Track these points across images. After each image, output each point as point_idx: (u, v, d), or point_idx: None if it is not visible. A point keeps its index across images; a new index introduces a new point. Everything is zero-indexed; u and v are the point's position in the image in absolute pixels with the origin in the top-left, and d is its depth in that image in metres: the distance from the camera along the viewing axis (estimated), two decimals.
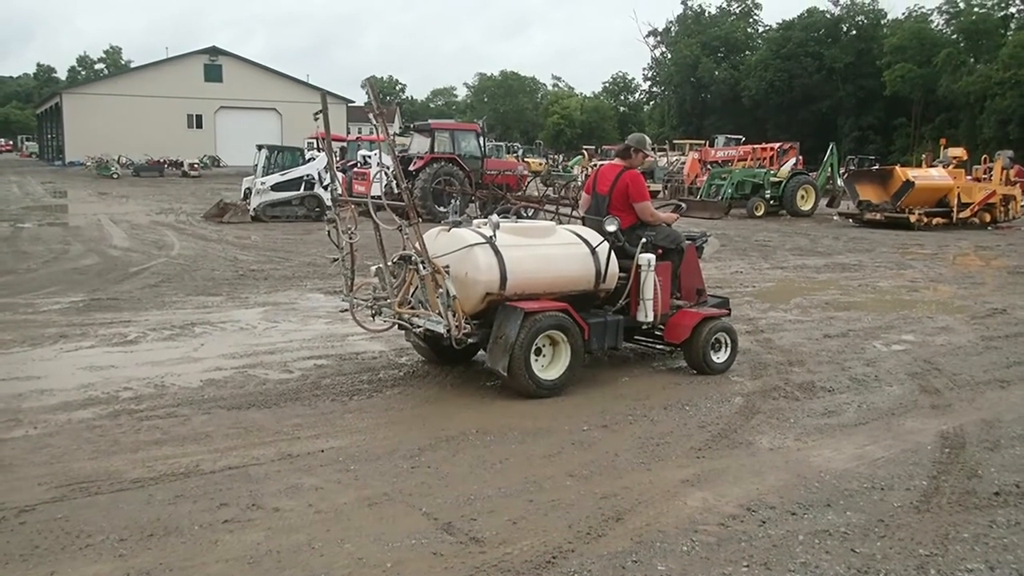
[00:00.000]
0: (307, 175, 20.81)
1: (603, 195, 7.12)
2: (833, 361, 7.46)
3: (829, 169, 27.11)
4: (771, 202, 25.11)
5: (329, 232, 6.71)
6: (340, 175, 22.04)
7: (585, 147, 54.73)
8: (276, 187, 20.58)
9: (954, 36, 60.31)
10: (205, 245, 15.67)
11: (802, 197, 25.47)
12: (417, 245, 5.89)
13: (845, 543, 3.90)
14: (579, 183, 24.59)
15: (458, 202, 8.37)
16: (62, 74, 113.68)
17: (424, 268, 5.86)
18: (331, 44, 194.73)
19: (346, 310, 6.87)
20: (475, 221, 6.60)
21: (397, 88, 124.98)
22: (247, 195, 21.14)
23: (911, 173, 21.97)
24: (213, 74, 59.13)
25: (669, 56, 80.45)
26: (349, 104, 59.33)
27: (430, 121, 27.65)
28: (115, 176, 41.42)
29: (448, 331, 5.86)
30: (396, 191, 6.42)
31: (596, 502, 4.32)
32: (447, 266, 5.95)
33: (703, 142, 42.96)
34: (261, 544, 3.79)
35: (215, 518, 4.04)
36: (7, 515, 4.03)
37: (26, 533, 3.85)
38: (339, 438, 5.22)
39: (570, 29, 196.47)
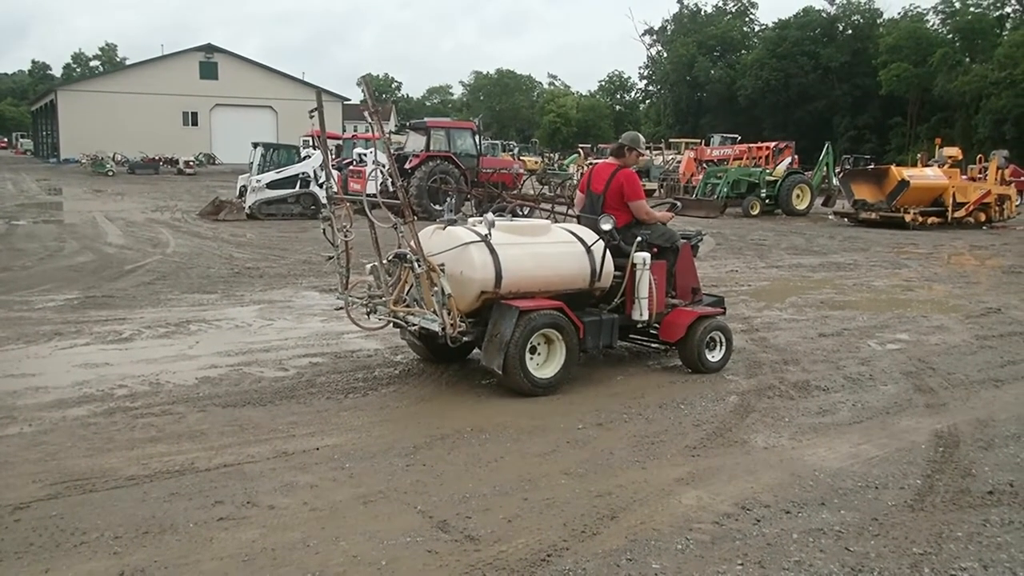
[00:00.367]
0: (303, 173, 20.78)
1: (597, 194, 7.13)
2: (828, 360, 7.48)
3: (825, 168, 27.15)
4: (767, 201, 25.16)
5: (324, 230, 6.70)
6: (336, 173, 21.99)
7: (581, 145, 54.68)
8: (272, 185, 20.55)
9: (950, 36, 60.40)
10: (200, 243, 15.65)
11: (798, 196, 25.53)
12: (412, 243, 5.89)
13: (839, 542, 3.91)
14: (575, 181, 24.61)
15: (453, 200, 8.36)
16: (57, 71, 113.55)
17: (419, 266, 5.86)
18: (327, 42, 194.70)
19: (341, 308, 6.86)
20: (470, 219, 6.60)
21: (393, 86, 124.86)
22: (243, 193, 21.12)
23: (906, 172, 22.03)
24: (209, 71, 58.99)
25: (665, 55, 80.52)
26: (345, 102, 59.26)
27: (426, 119, 27.66)
28: (110, 173, 41.33)
29: (443, 329, 5.86)
30: (391, 189, 6.41)
31: (591, 500, 4.32)
32: (442, 264, 5.95)
33: (699, 141, 42.99)
34: (256, 542, 3.79)
35: (210, 516, 4.04)
36: (1, 513, 4.02)
37: (21, 531, 3.85)
38: (334, 436, 5.22)
39: (566, 27, 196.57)
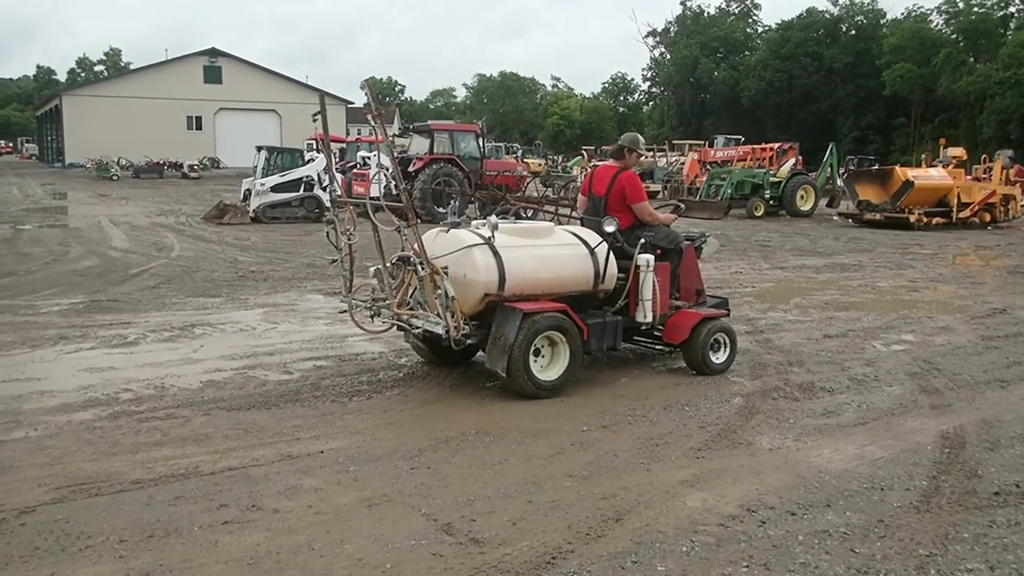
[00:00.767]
0: (307, 176, 20.83)
1: (599, 197, 7.11)
2: (833, 361, 7.46)
3: (829, 169, 27.11)
4: (771, 202, 25.12)
5: (328, 233, 6.71)
6: (339, 176, 22.04)
7: (584, 148, 54.67)
8: (276, 188, 20.61)
9: (953, 36, 60.28)
10: (205, 246, 15.68)
11: (802, 197, 25.48)
12: (416, 246, 5.89)
13: (845, 543, 3.90)
14: (578, 183, 24.59)
15: (457, 203, 8.37)
16: (62, 76, 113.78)
17: (423, 269, 5.86)
18: (331, 46, 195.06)
19: (345, 311, 6.87)
20: (474, 222, 6.60)
21: (396, 89, 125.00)
22: (247, 196, 21.17)
23: (911, 173, 21.98)
24: (212, 76, 59.14)
25: (668, 57, 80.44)
26: (348, 106, 59.36)
27: (429, 122, 27.67)
28: (115, 178, 41.43)
29: (447, 332, 5.86)
30: (395, 192, 6.41)
31: (596, 503, 4.32)
32: (446, 267, 5.95)
33: (702, 142, 42.96)
34: (261, 545, 3.79)
35: (215, 519, 4.05)
36: (7, 516, 4.03)
37: (26, 534, 3.86)
38: (339, 439, 5.22)
39: (569, 30, 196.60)
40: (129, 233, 17.78)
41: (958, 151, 26.87)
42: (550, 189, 24.91)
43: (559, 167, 44.62)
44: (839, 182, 26.75)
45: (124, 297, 10.13)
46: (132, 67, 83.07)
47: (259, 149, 22.12)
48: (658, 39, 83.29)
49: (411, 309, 6.31)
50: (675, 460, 4.97)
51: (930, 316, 9.71)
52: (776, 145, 30.38)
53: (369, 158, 22.84)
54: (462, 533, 3.94)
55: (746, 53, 75.46)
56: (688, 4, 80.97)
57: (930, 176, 22.07)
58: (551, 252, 6.41)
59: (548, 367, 6.16)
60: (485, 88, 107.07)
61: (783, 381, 6.74)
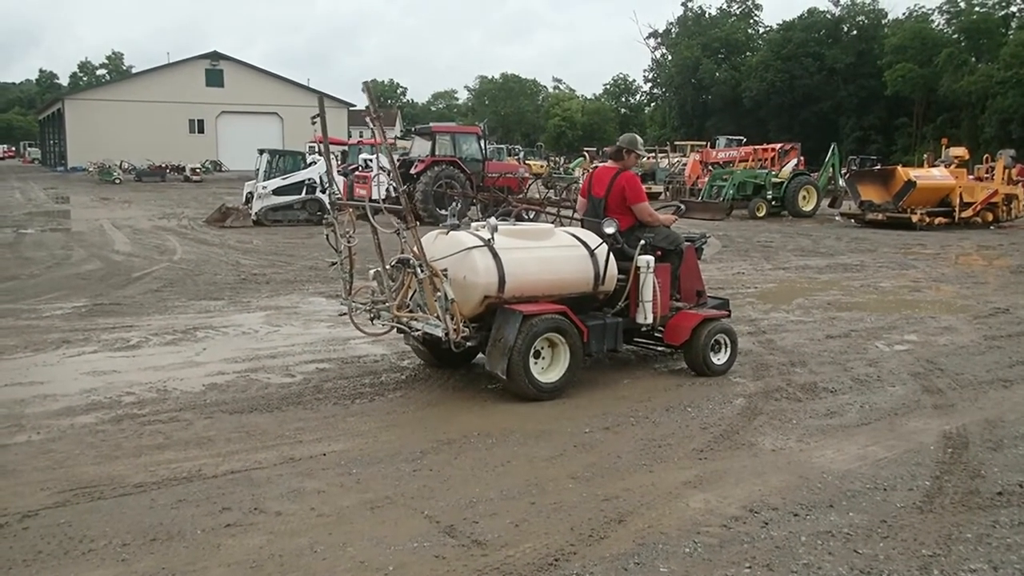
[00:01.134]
0: (309, 179, 20.85)
1: (599, 198, 7.11)
2: (835, 362, 7.45)
3: (831, 169, 27.09)
4: (773, 203, 25.12)
5: (328, 236, 6.72)
6: (341, 179, 22.01)
7: (586, 149, 54.68)
8: (278, 191, 20.63)
9: (955, 36, 60.29)
10: (207, 250, 15.70)
11: (804, 198, 25.47)
12: (415, 248, 5.89)
13: (848, 544, 3.90)
14: (580, 185, 24.58)
15: (459, 205, 8.37)
16: (64, 80, 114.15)
17: (422, 271, 5.86)
18: (332, 48, 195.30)
19: (345, 314, 6.88)
20: (473, 224, 6.60)
21: (398, 91, 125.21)
22: (249, 199, 21.19)
23: (913, 173, 21.96)
24: (214, 79, 59.25)
25: (670, 58, 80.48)
26: (350, 108, 59.42)
27: (431, 124, 27.70)
28: (117, 181, 41.48)
29: (446, 335, 5.86)
30: (394, 195, 6.41)
31: (598, 504, 4.31)
32: (445, 269, 5.95)
33: (704, 143, 42.92)
34: (263, 548, 3.79)
35: (217, 522, 4.05)
36: (10, 520, 4.03)
37: (29, 538, 3.86)
38: (341, 442, 5.23)
39: (570, 31, 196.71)
40: (131, 236, 17.80)
41: (960, 151, 26.87)
42: (552, 191, 24.91)
43: (561, 169, 44.62)
44: (841, 182, 26.72)
45: (127, 300, 10.14)
46: (134, 71, 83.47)
47: (261, 152, 22.14)
48: (659, 40, 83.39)
49: (411, 311, 6.31)
50: (678, 461, 4.97)
51: (933, 316, 9.70)
52: (778, 145, 30.32)
53: (371, 160, 22.87)
54: (464, 535, 3.94)
55: (747, 54, 75.50)
56: (689, 5, 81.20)
57: (932, 176, 22.05)
58: (551, 254, 6.40)
59: (548, 369, 6.15)
60: (487, 90, 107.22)
61: (786, 382, 6.74)
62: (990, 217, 22.29)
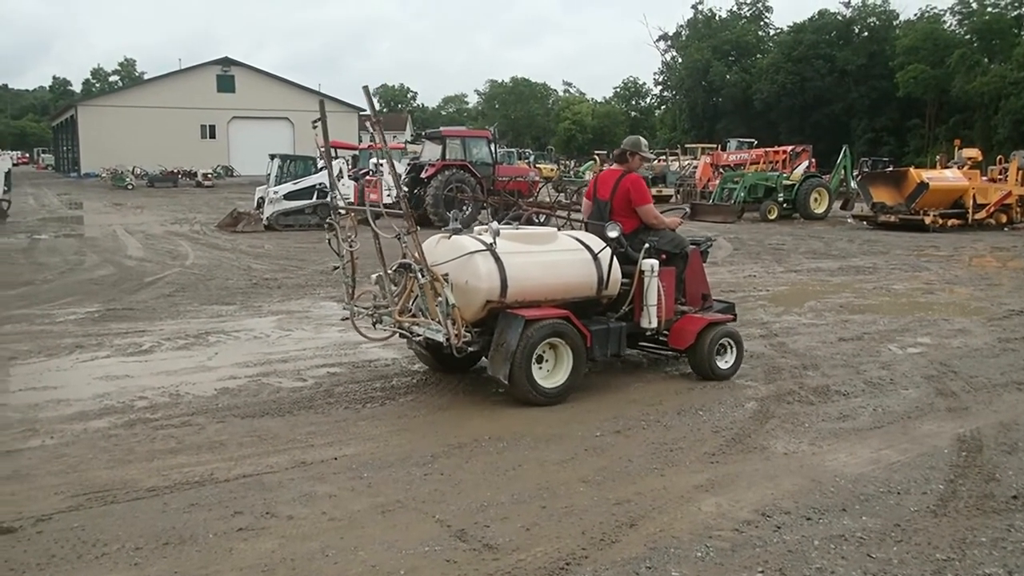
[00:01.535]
0: (320, 184, 20.89)
1: (604, 201, 7.07)
2: (848, 365, 7.42)
3: (842, 171, 26.98)
4: (784, 205, 25.05)
5: (329, 240, 6.73)
6: (352, 183, 22.02)
7: (596, 152, 54.63)
8: (289, 196, 20.71)
9: (967, 36, 59.92)
10: (219, 254, 15.77)
11: (815, 200, 25.39)
12: (416, 253, 5.88)
13: (861, 548, 3.87)
14: None
15: (469, 210, 8.36)
16: (77, 87, 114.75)
17: (423, 276, 5.85)
18: (343, 53, 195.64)
19: (347, 318, 6.89)
20: (475, 228, 6.58)
21: (408, 96, 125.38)
22: (260, 204, 21.29)
23: (925, 174, 21.86)
24: (226, 85, 59.50)
25: (680, 60, 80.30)
26: (361, 113, 59.51)
27: (441, 128, 27.70)
28: (130, 187, 41.71)
29: (447, 340, 5.83)
30: (395, 199, 6.40)
31: (610, 508, 4.30)
32: (446, 274, 5.93)
33: (715, 146, 42.88)
34: (275, 552, 3.80)
35: (229, 526, 4.06)
36: (24, 524, 4.06)
37: (43, 542, 3.88)
38: (352, 446, 5.24)
39: (580, 35, 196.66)
40: (144, 242, 17.90)
41: (973, 152, 26.68)
42: (563, 194, 24.90)
43: (571, 172, 44.60)
44: (853, 184, 26.62)
45: (139, 305, 10.19)
46: (146, 77, 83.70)
47: (272, 157, 22.24)
48: (669, 43, 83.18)
49: (412, 316, 6.29)
50: (689, 465, 4.95)
51: (946, 318, 9.64)
52: (789, 148, 30.24)
53: (382, 165, 22.91)
54: (476, 539, 3.94)
55: (758, 56, 75.25)
56: (699, 7, 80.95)
57: (945, 177, 21.94)
58: (554, 258, 6.36)
59: (551, 374, 6.12)
60: (497, 94, 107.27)
61: (798, 385, 6.71)
62: (1004, 219, 22.14)
